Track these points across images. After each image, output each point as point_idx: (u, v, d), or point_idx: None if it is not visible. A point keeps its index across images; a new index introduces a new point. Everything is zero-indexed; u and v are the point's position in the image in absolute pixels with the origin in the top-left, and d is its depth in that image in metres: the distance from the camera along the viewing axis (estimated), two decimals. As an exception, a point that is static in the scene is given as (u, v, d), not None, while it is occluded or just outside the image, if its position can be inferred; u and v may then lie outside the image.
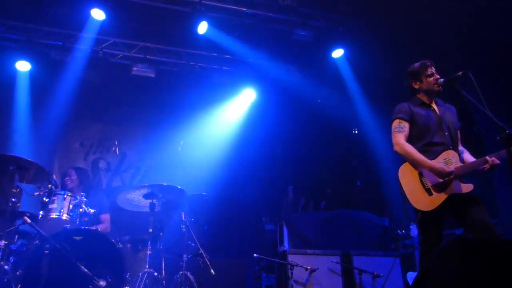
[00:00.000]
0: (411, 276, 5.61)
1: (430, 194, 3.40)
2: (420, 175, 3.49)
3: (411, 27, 6.82)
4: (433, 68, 3.73)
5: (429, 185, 3.43)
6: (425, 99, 3.76)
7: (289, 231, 6.78)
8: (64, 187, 5.37)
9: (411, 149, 3.54)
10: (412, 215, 3.56)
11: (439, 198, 3.37)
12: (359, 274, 5.65)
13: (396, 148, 3.61)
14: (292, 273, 5.51)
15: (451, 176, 3.37)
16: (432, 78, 3.69)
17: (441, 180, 3.40)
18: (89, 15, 7.12)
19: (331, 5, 7.54)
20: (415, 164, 3.51)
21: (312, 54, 8.41)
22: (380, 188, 8.68)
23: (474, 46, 6.19)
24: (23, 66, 7.74)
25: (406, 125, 3.64)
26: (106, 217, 5.50)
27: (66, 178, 5.46)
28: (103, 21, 7.24)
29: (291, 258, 5.68)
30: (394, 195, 7.96)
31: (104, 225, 5.43)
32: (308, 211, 8.28)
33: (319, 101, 9.53)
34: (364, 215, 7.13)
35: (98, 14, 7.08)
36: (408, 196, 3.46)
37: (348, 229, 6.81)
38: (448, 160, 3.48)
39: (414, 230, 5.53)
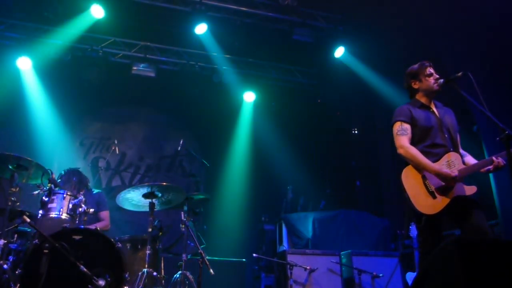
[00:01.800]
0: (410, 276, 5.61)
1: (434, 197, 3.38)
2: (424, 178, 3.47)
3: (411, 26, 6.82)
4: (431, 68, 3.73)
5: (432, 188, 3.41)
6: (424, 100, 3.76)
7: (289, 231, 6.78)
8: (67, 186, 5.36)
9: (416, 152, 3.51)
10: (412, 216, 3.55)
11: (443, 201, 3.35)
12: (359, 274, 5.65)
13: (401, 151, 3.58)
14: (291, 273, 5.50)
15: (456, 181, 3.36)
16: (431, 78, 3.69)
17: (444, 183, 3.38)
18: (89, 13, 7.12)
19: (331, 5, 7.54)
20: (420, 167, 3.49)
21: (312, 53, 8.42)
22: (379, 188, 8.68)
23: (473, 44, 6.19)
24: (23, 64, 7.74)
25: (408, 128, 3.63)
26: (105, 214, 5.48)
27: (59, 181, 5.46)
28: (104, 20, 7.24)
29: (290, 258, 5.67)
30: (393, 195, 7.98)
31: (104, 223, 5.41)
32: (307, 211, 8.26)
33: (319, 101, 9.54)
34: (364, 215, 7.12)
35: (97, 12, 7.06)
36: (412, 200, 3.42)
37: (347, 229, 6.81)
38: (451, 162, 3.46)
39: (413, 230, 5.52)
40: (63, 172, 5.49)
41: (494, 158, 3.31)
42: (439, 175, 3.37)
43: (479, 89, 3.07)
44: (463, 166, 3.45)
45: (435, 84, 3.65)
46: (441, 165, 3.46)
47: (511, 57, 5.73)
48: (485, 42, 6.02)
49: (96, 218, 5.31)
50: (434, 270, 2.29)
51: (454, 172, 3.36)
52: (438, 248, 2.29)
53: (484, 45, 6.04)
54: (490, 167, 3.33)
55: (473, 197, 3.39)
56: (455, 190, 3.36)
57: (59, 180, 5.33)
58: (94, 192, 5.58)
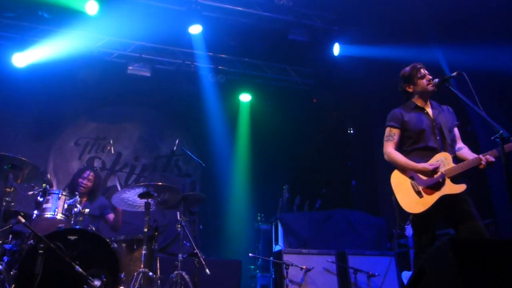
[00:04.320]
0: (406, 275, 5.63)
1: (421, 196, 3.43)
2: (412, 178, 3.53)
3: (409, 26, 6.82)
4: (423, 69, 3.75)
5: (419, 188, 3.46)
6: (419, 102, 3.78)
7: (285, 230, 6.78)
8: (74, 189, 5.03)
9: (396, 156, 3.62)
10: (400, 217, 3.60)
11: (429, 200, 3.39)
12: (354, 274, 5.67)
13: (385, 157, 3.71)
14: (287, 272, 5.51)
15: (438, 173, 3.39)
16: (425, 79, 3.71)
17: (427, 178, 3.42)
18: (84, 12, 7.06)
19: (326, 5, 7.55)
20: (403, 168, 3.58)
21: (308, 53, 8.42)
22: (375, 188, 8.71)
23: (469, 42, 6.19)
24: (18, 63, 7.68)
25: (396, 133, 3.71)
26: (111, 215, 5.43)
27: (81, 181, 5.24)
28: (98, 19, 7.19)
29: (287, 257, 5.68)
30: (389, 195, 8.00)
31: (115, 219, 5.37)
32: (303, 211, 8.29)
33: (314, 100, 9.55)
34: (359, 215, 7.14)
35: (91, 8, 6.99)
36: (400, 201, 3.51)
37: (343, 229, 6.83)
38: (440, 162, 3.50)
39: (409, 230, 5.55)
40: (86, 172, 5.42)
41: (481, 156, 3.35)
42: (418, 171, 3.47)
43: (474, 88, 3.08)
44: (453, 165, 3.48)
45: (429, 85, 3.68)
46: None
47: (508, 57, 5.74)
48: (480, 40, 6.03)
49: (96, 220, 5.29)
50: (429, 269, 2.30)
51: (432, 165, 3.40)
52: (434, 247, 2.30)
53: (480, 44, 6.05)
54: (481, 164, 3.36)
55: (463, 195, 3.40)
56: (443, 189, 3.40)
57: (80, 179, 5.27)
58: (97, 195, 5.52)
